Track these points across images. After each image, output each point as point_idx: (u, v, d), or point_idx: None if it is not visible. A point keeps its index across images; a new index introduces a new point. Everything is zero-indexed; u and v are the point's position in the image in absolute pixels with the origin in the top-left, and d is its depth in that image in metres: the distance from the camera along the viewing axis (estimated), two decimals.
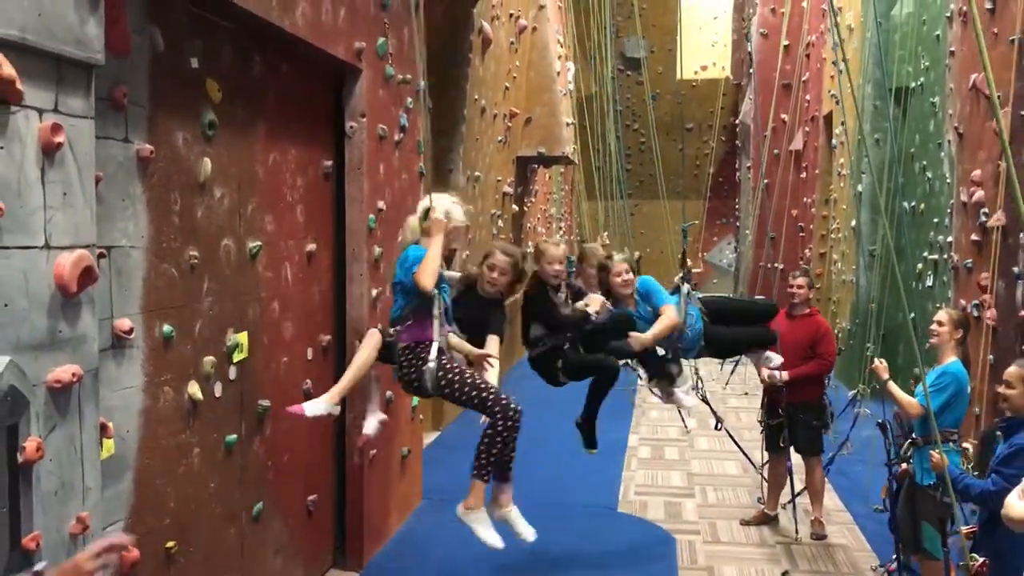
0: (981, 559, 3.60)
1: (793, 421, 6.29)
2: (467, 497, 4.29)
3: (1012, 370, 3.95)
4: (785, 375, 6.20)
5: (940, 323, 4.86)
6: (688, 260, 5.83)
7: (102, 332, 3.00)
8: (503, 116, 11.20)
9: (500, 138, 11.12)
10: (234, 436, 4.14)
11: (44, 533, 2.49)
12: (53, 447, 2.53)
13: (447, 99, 9.03)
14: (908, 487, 4.90)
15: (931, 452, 4.17)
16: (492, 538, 4.25)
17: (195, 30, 3.76)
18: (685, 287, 5.54)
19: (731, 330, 5.81)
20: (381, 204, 5.65)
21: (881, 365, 5.15)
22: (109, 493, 3.15)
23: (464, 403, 4.22)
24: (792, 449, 6.44)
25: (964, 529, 3.82)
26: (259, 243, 4.36)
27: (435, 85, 8.38)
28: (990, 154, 6.92)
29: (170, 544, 3.65)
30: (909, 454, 4.81)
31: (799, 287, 6.44)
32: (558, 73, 12.83)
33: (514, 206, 12.50)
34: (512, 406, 4.15)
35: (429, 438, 8.53)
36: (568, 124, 12.81)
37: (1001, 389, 3.96)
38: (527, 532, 4.36)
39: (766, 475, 6.83)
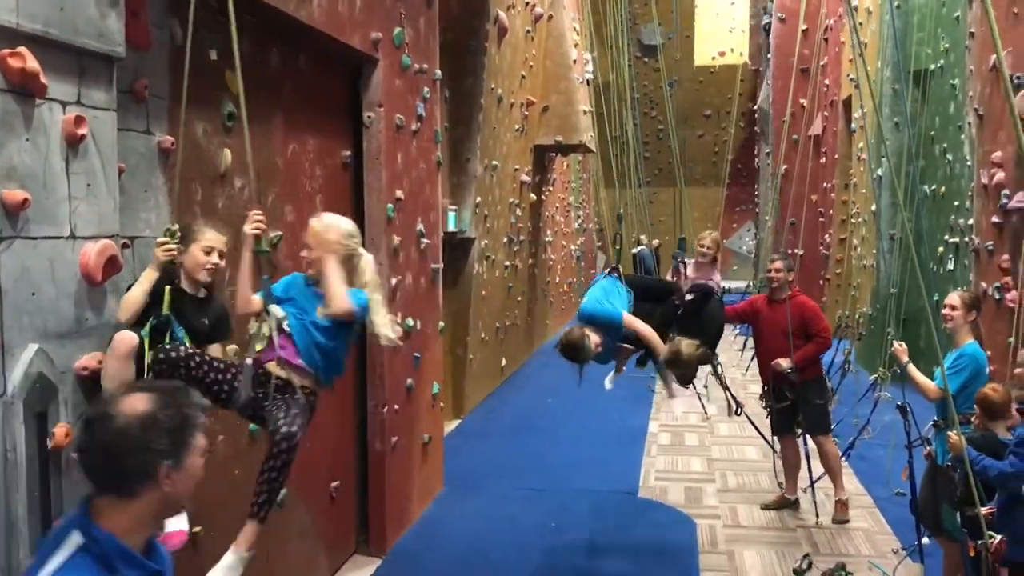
0: (999, 537, 3.61)
1: (802, 402, 6.30)
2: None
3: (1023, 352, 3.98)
4: (790, 362, 6.18)
5: (953, 307, 4.87)
6: (645, 239, 5.66)
7: None
8: (520, 105, 11.21)
9: (517, 127, 11.14)
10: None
11: None
12: None
13: (464, 88, 9.06)
14: (930, 469, 4.90)
15: (948, 433, 4.17)
16: None
17: (213, 23, 3.80)
18: (606, 271, 5.39)
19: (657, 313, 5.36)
20: (399, 193, 5.69)
21: (901, 348, 5.15)
22: None
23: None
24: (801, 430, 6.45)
25: (984, 510, 3.81)
26: (279, 233, 4.41)
27: (452, 74, 8.42)
28: (1011, 135, 6.87)
29: (196, 529, 3.71)
30: (930, 436, 4.82)
31: (776, 270, 6.41)
32: (574, 61, 12.81)
33: (532, 195, 12.52)
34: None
35: (450, 426, 8.59)
36: (585, 112, 12.80)
37: (1017, 369, 3.99)
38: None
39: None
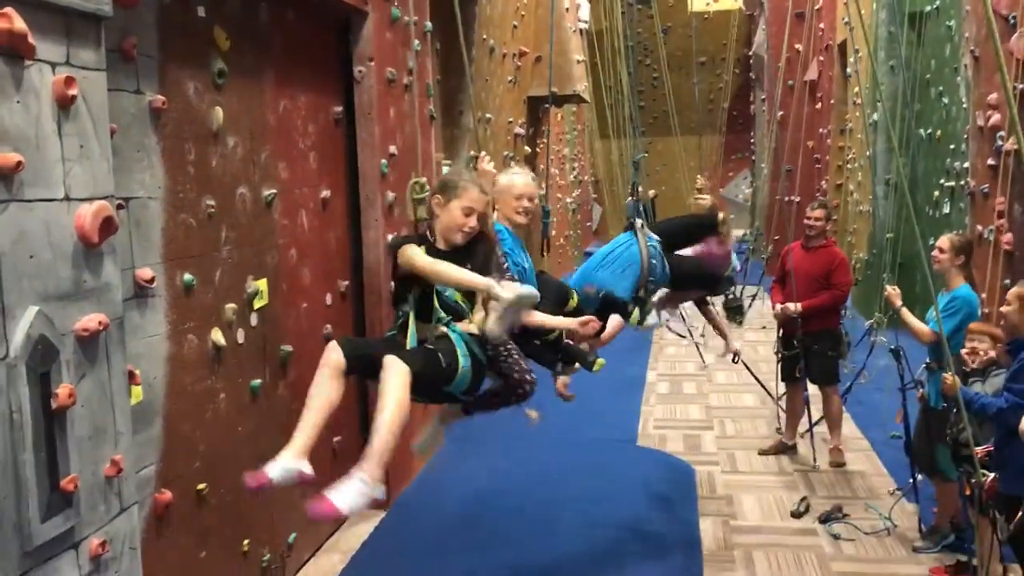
0: (992, 475, 3.67)
1: (809, 351, 6.33)
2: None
3: (1013, 290, 4.01)
4: (799, 306, 6.23)
5: (941, 249, 4.95)
6: (641, 191, 5.44)
7: (124, 282, 3.06)
8: (512, 56, 11.09)
9: (510, 78, 11.03)
10: (258, 381, 4.23)
11: (80, 475, 2.58)
12: (84, 393, 2.62)
13: (454, 39, 8.95)
14: (923, 411, 4.97)
15: (944, 375, 4.21)
16: None
17: None
18: (638, 222, 5.25)
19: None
20: (393, 149, 5.66)
21: (894, 292, 5.20)
22: (140, 438, 3.25)
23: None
24: (808, 379, 6.50)
25: (979, 450, 3.87)
26: (274, 191, 4.40)
27: (442, 26, 8.31)
28: (1009, 75, 6.83)
29: (201, 486, 3.77)
30: (923, 378, 4.88)
31: (816, 219, 6.42)
32: (567, 9, 12.65)
33: (526, 147, 12.45)
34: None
35: None
36: (579, 62, 12.67)
37: (1003, 308, 4.03)
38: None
39: (783, 406, 6.90)
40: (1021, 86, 6.17)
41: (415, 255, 3.25)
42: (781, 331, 6.61)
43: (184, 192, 3.63)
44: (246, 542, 4.17)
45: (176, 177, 3.58)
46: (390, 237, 3.69)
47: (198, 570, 3.77)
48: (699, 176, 7.70)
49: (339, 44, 5.36)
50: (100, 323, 2.65)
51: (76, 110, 2.59)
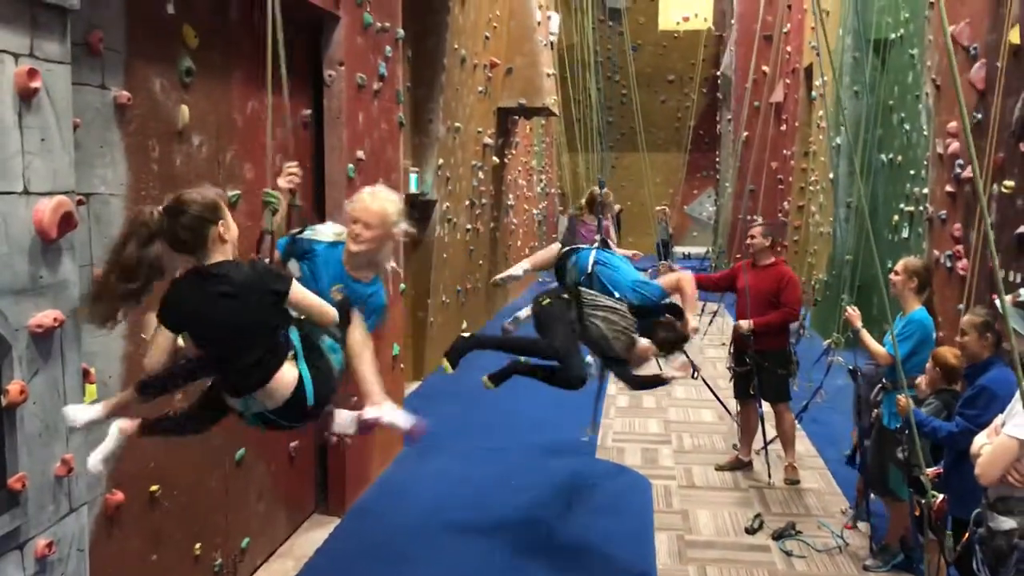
0: (942, 496, 3.72)
1: (759, 369, 6.40)
2: None
3: (965, 319, 4.10)
4: (751, 324, 6.31)
5: (896, 272, 5.02)
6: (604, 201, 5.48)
7: (82, 279, 3.02)
8: (483, 66, 11.13)
9: (480, 89, 11.06)
10: None
11: (29, 474, 2.54)
12: (36, 390, 2.57)
13: (427, 48, 8.96)
14: (876, 431, 5.03)
15: (897, 397, 4.28)
16: None
17: None
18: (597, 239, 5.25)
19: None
20: (360, 154, 5.65)
21: (854, 313, 5.27)
22: (93, 437, 3.19)
23: None
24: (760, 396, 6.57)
25: (930, 471, 3.93)
26: (238, 192, 4.36)
27: (414, 34, 8.33)
28: (966, 105, 6.97)
29: (154, 488, 3.71)
30: (879, 399, 4.94)
31: (752, 236, 6.59)
32: (539, 23, 12.72)
33: (495, 158, 12.48)
34: None
35: (410, 387, 8.62)
36: (549, 75, 12.74)
37: (958, 338, 4.11)
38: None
39: (740, 422, 6.96)
40: (979, 116, 6.30)
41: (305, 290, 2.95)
42: (733, 347, 6.69)
43: (147, 190, 3.59)
44: (198, 545, 4.11)
45: (139, 174, 3.54)
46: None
47: (148, 573, 3.71)
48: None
49: (310, 47, 5.34)
50: (55, 320, 2.62)
51: (38, 103, 2.55)
